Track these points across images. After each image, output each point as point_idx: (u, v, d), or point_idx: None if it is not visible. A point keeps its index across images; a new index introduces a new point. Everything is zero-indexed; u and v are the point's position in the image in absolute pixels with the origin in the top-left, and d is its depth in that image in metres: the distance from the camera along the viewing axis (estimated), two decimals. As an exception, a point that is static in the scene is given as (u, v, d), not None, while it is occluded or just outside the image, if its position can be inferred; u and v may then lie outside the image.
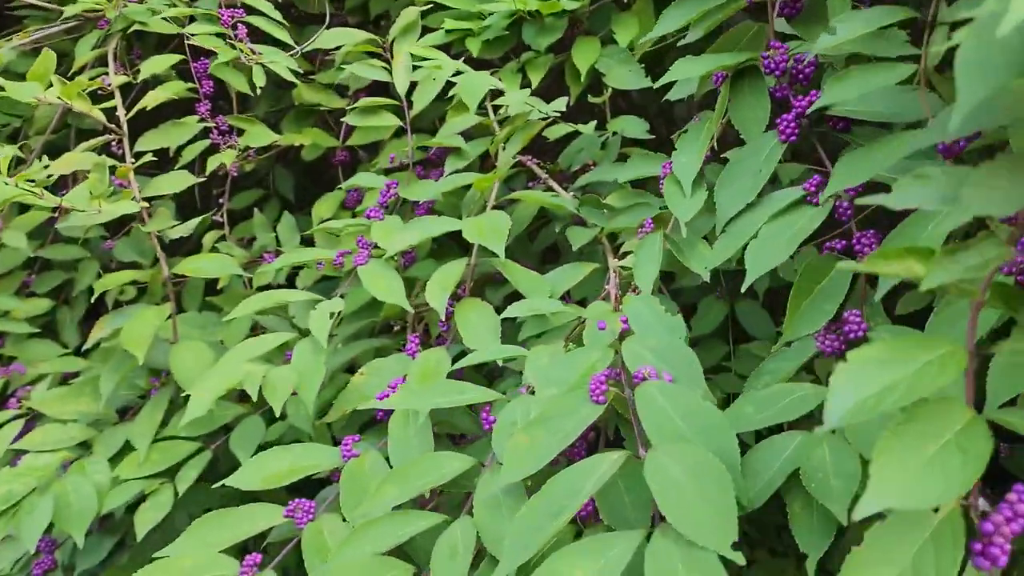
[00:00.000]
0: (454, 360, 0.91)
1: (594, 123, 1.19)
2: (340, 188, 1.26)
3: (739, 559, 0.54)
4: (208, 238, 1.34)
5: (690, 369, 0.73)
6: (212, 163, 1.25)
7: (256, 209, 1.41)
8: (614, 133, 1.21)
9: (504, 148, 1.16)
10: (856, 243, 0.77)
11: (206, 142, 1.26)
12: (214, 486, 0.89)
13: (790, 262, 1.20)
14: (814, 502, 0.64)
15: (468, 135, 1.21)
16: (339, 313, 0.99)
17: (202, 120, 1.26)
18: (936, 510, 0.49)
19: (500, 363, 0.93)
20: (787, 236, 0.77)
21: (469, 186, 1.11)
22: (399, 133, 1.31)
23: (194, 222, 1.20)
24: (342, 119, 1.30)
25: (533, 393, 0.79)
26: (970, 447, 0.46)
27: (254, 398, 0.90)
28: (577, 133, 1.27)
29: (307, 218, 1.36)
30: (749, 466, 0.66)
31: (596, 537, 0.60)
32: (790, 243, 0.76)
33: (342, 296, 1.05)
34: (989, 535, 0.48)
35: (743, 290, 0.76)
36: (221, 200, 1.39)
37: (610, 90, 1.20)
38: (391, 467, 0.82)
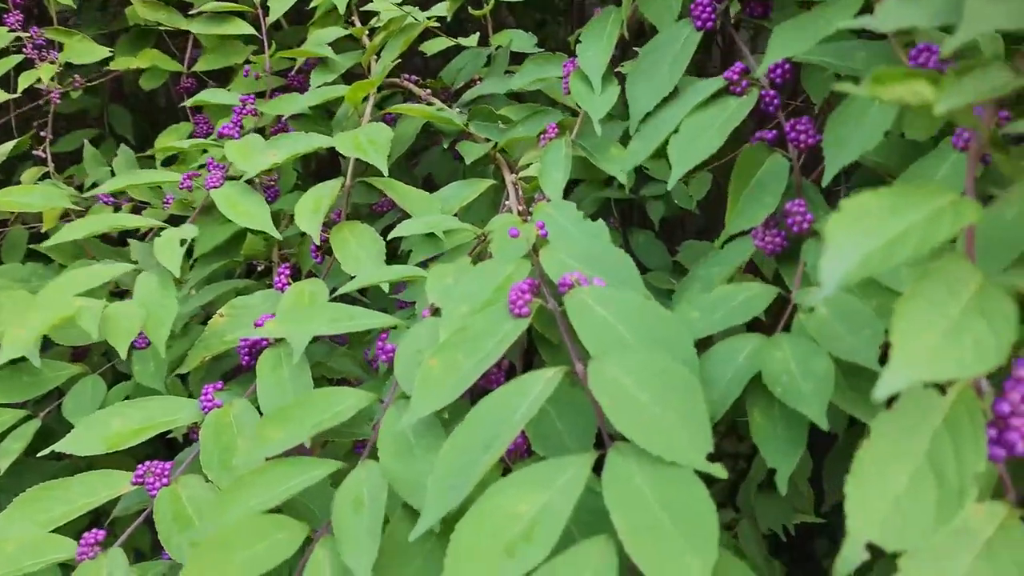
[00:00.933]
0: (333, 294, 0.78)
1: (476, 35, 1.08)
2: (184, 105, 1.09)
3: (718, 471, 0.46)
4: (28, 175, 1.14)
5: (625, 273, 0.64)
6: (26, 80, 1.05)
7: (87, 142, 1.21)
8: (498, 47, 1.10)
9: (378, 59, 1.03)
10: (790, 131, 0.69)
11: (19, 57, 1.06)
12: (43, 454, 0.72)
13: (684, 188, 1.15)
14: (777, 411, 0.56)
15: (336, 50, 1.07)
16: (190, 242, 0.83)
17: (12, 31, 1.06)
18: (944, 392, 0.41)
19: (387, 291, 0.81)
20: (715, 127, 0.69)
21: (337, 110, 0.97)
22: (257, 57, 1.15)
23: (8, 146, 1.00)
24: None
25: (439, 314, 0.68)
26: (992, 310, 0.39)
27: (93, 335, 0.74)
28: (458, 50, 1.15)
29: (150, 161, 1.18)
30: (701, 376, 0.57)
31: (540, 465, 0.50)
32: (719, 133, 0.68)
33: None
34: (1005, 417, 0.42)
35: (669, 186, 0.67)
36: (43, 133, 1.19)
37: (492, 1, 1.09)
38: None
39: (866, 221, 0.39)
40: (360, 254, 0.82)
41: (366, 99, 0.95)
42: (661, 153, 0.71)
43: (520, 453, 0.64)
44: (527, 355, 0.82)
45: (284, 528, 0.59)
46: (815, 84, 0.86)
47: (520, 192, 0.84)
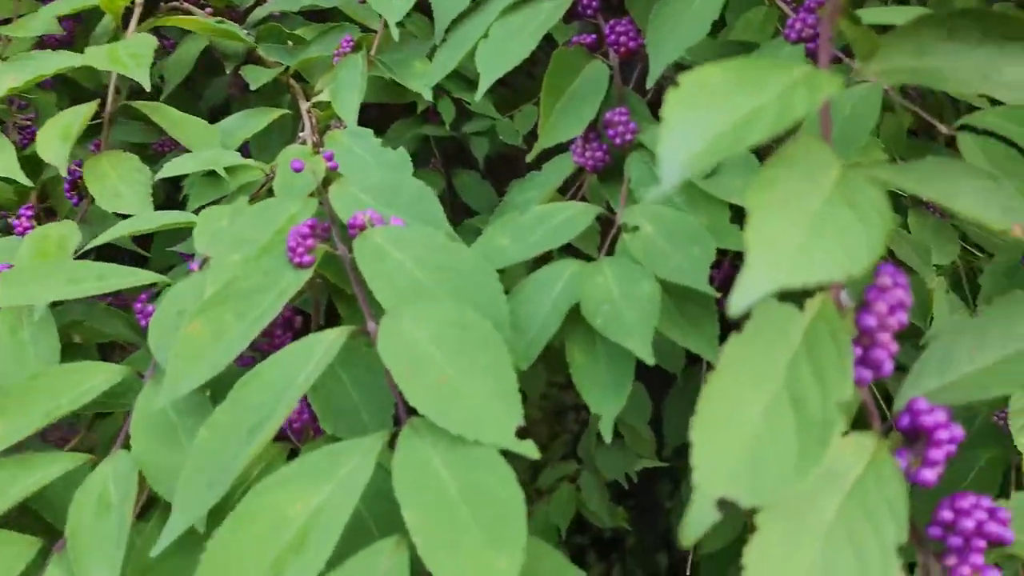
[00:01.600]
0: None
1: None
2: None
3: (529, 450, 0.37)
4: None
5: (427, 209, 0.54)
6: None
7: None
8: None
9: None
10: (610, 34, 0.61)
11: None
12: None
13: (510, 123, 1.05)
14: (599, 347, 0.48)
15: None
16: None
17: None
18: (802, 308, 0.34)
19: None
20: (528, 31, 0.60)
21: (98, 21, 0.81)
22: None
23: None
24: None
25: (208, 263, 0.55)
26: (859, 201, 0.31)
27: None
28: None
29: None
30: (513, 314, 0.48)
31: (320, 452, 0.39)
32: (532, 37, 0.59)
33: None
34: (871, 332, 0.35)
35: (477, 97, 0.58)
36: None
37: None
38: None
39: (711, 98, 0.30)
40: (122, 189, 0.67)
41: (130, 11, 0.79)
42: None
43: (311, 434, 0.53)
44: (334, 312, 0.71)
45: (7, 544, 0.46)
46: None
47: (315, 121, 0.72)
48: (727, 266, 0.91)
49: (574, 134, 0.56)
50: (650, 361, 0.44)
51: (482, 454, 0.37)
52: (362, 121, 0.67)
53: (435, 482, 0.37)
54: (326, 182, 0.57)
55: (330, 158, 0.59)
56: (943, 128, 0.43)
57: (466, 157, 1.10)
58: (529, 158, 0.58)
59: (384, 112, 1.10)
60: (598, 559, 1.57)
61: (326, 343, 0.44)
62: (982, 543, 0.35)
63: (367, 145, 0.62)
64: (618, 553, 1.57)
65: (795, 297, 0.33)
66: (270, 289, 0.49)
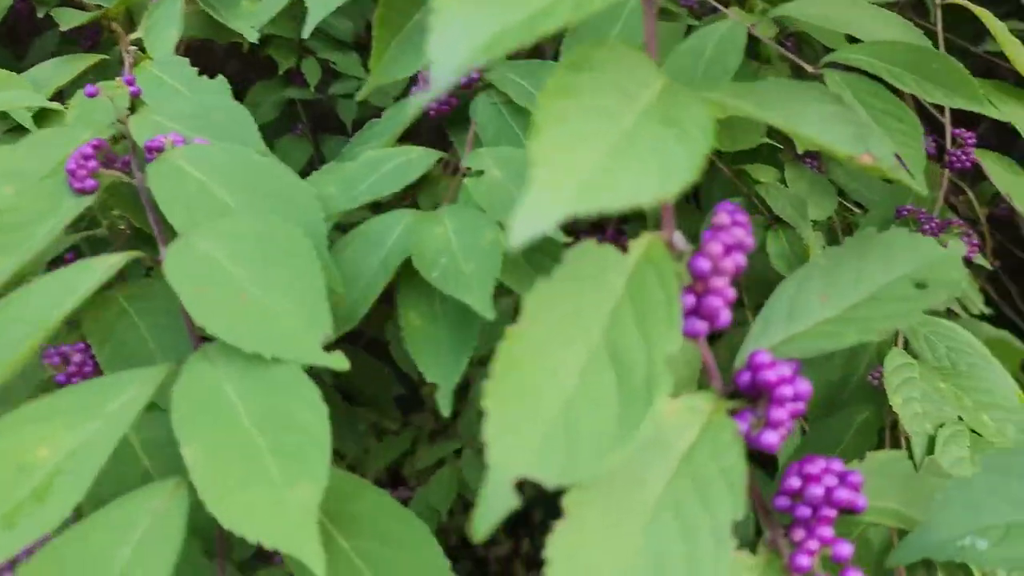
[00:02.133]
0: None
1: None
2: None
3: (336, 362, 0.33)
4: None
5: (241, 131, 0.47)
6: None
7: None
8: None
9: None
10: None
11: None
12: None
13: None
14: (438, 307, 0.42)
15: None
16: None
17: None
18: (626, 250, 0.29)
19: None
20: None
21: None
22: None
23: None
24: None
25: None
26: (682, 120, 0.26)
27: None
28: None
29: None
30: (340, 269, 0.42)
31: (88, 384, 0.33)
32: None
33: None
34: (705, 277, 0.30)
35: (305, 33, 0.51)
36: None
37: None
38: None
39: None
40: None
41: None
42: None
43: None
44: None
45: None
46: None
47: (133, 61, 0.64)
48: (611, 233, 0.87)
49: (414, 70, 0.50)
50: (490, 316, 0.38)
51: (283, 375, 0.33)
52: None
53: (224, 412, 0.32)
54: (132, 110, 0.50)
55: (131, 82, 0.52)
56: (810, 68, 0.39)
57: (334, 121, 1.03)
58: (359, 96, 0.52)
59: (244, 75, 1.02)
60: (506, 536, 1.53)
61: (100, 269, 0.38)
62: (832, 512, 0.31)
63: (180, 75, 0.55)
64: (526, 528, 1.54)
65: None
66: (46, 219, 0.42)
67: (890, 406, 0.59)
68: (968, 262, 0.77)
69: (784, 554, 0.31)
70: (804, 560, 0.30)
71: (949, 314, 0.77)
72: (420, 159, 0.47)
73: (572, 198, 0.22)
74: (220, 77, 0.53)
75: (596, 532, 0.25)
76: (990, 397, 0.57)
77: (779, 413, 0.30)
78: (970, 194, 0.92)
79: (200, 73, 0.56)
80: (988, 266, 0.80)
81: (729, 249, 0.30)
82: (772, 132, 0.75)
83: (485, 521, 0.24)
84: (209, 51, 0.90)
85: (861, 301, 0.34)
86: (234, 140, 0.46)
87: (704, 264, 0.30)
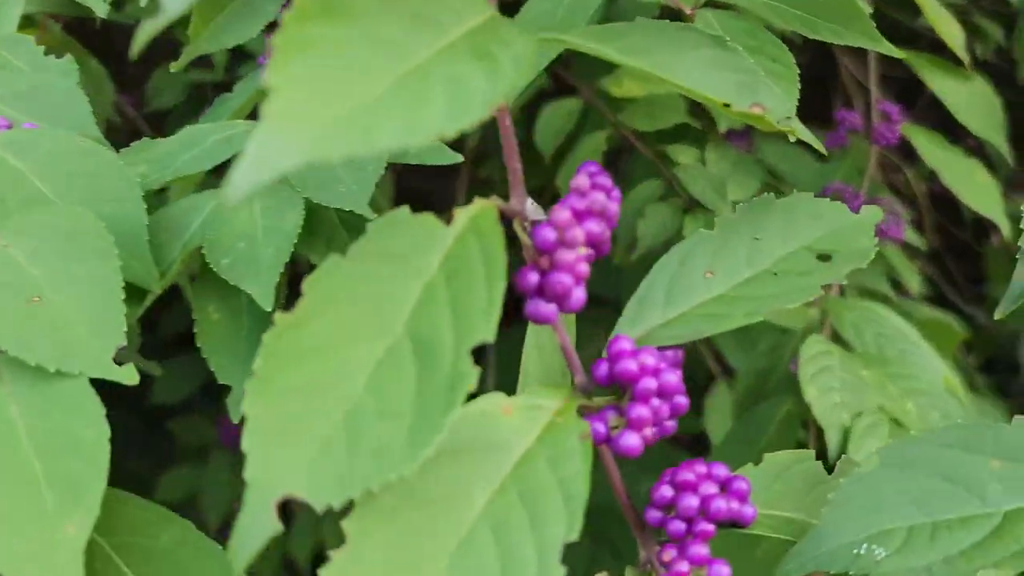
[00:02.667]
0: None
1: None
2: None
3: (126, 375, 0.29)
4: None
5: (75, 113, 0.42)
6: None
7: None
8: None
9: None
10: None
11: None
12: None
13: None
14: (244, 299, 0.36)
15: None
16: None
17: None
18: (449, 221, 0.24)
19: None
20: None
21: None
22: None
23: None
24: None
25: None
26: (497, 54, 0.21)
27: None
28: None
29: None
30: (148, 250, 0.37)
31: None
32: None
33: None
34: (550, 250, 0.25)
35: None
36: None
37: None
38: None
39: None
40: None
41: None
42: None
43: None
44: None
45: None
46: None
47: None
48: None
49: (247, 36, 0.44)
50: (267, 307, 0.33)
51: (69, 390, 0.28)
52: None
53: (4, 434, 0.27)
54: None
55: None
56: (685, 8, 0.35)
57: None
58: (175, 67, 0.46)
59: (148, 60, 0.96)
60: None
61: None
62: (709, 527, 0.26)
63: (22, 53, 0.49)
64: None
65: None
66: None
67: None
68: (904, 243, 0.74)
69: (653, 578, 0.26)
70: (672, 585, 0.25)
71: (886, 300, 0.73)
72: (245, 134, 0.41)
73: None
74: (68, 57, 0.47)
75: (380, 564, 0.20)
76: (917, 383, 0.54)
77: (640, 411, 0.25)
78: (907, 173, 0.88)
79: (47, 53, 0.51)
80: (922, 247, 0.77)
81: (582, 216, 0.25)
82: (697, 110, 0.71)
83: (243, 549, 0.19)
84: (107, 32, 0.84)
85: (754, 276, 0.30)
86: (69, 124, 0.40)
87: (548, 234, 0.25)
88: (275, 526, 0.19)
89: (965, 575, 0.27)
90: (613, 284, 0.74)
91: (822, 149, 0.34)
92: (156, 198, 0.42)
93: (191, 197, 0.38)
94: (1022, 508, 0.28)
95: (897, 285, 0.77)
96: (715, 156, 0.69)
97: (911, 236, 0.75)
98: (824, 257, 0.30)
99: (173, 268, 0.35)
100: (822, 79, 0.86)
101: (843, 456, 0.30)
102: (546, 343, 0.30)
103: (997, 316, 0.33)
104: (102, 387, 0.29)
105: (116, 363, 0.29)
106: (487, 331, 0.22)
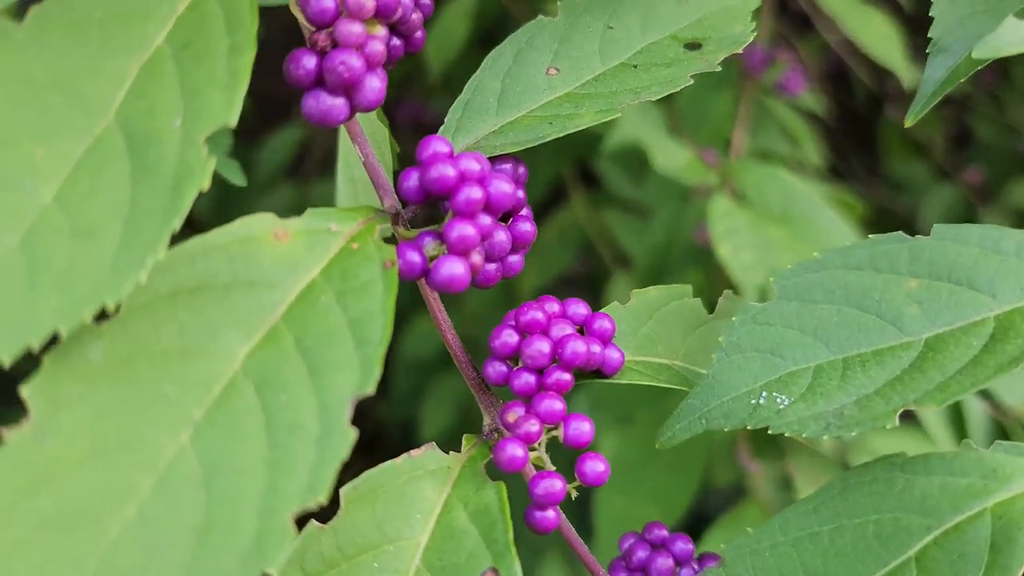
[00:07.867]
0: None
1: None
2: None
3: None
4: None
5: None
6: None
7: None
8: None
9: None
10: None
11: None
12: None
13: None
14: None
15: None
16: None
17: None
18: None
19: None
20: None
21: None
22: None
23: None
24: None
25: None
26: None
27: None
28: None
29: None
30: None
31: None
32: None
33: None
34: (325, 22, 0.19)
35: None
36: None
37: None
38: None
39: None
40: None
41: None
42: None
43: None
44: None
45: None
46: None
47: None
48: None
49: None
50: None
51: None
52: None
53: None
54: None
55: None
56: None
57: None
58: None
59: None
60: None
61: None
62: (566, 377, 0.21)
63: None
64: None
65: None
66: None
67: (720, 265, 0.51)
68: (814, 116, 0.70)
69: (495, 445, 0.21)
70: (517, 452, 0.20)
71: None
72: None
73: None
74: None
75: (84, 441, 0.14)
76: (828, 242, 0.50)
77: (463, 229, 0.19)
78: (801, 52, 0.84)
79: None
80: (818, 111, 0.73)
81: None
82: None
83: None
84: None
85: (609, 71, 0.24)
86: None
87: (325, 1, 0.18)
88: None
89: (883, 416, 0.22)
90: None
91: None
92: None
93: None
94: (944, 333, 0.23)
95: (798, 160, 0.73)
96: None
97: (808, 101, 0.71)
98: (693, 46, 0.24)
99: None
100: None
101: (725, 291, 0.25)
102: (360, 175, 0.24)
103: (908, 122, 0.28)
104: None
105: None
106: (227, 113, 0.16)
